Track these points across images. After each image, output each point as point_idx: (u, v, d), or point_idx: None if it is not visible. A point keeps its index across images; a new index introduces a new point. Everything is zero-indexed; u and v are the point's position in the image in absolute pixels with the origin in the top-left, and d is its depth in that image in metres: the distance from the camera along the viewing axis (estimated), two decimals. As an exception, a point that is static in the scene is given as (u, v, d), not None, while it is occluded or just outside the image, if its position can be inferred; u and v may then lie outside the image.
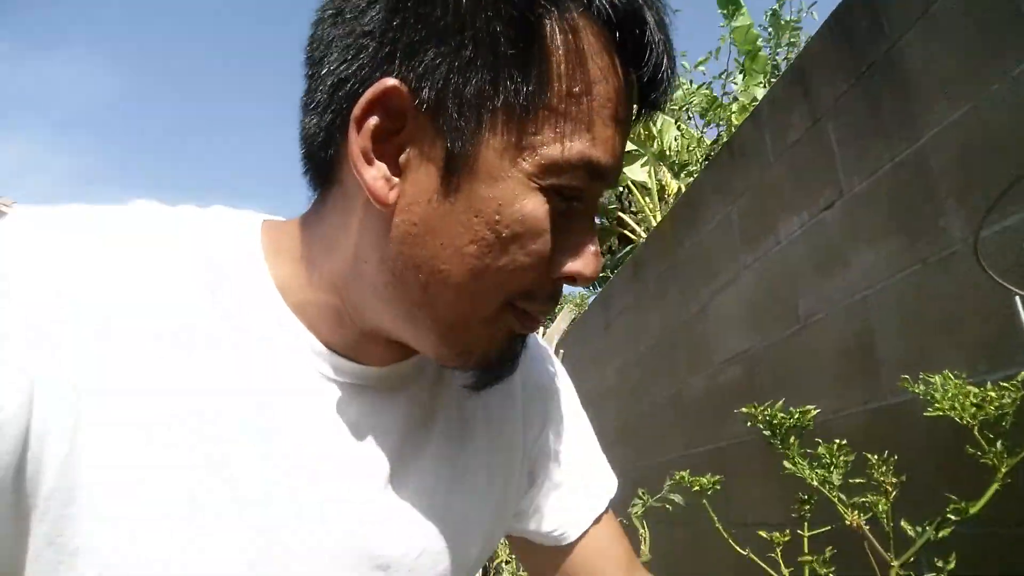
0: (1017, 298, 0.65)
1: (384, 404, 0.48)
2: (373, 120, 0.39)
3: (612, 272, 5.47)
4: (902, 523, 0.95)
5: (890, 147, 1.32)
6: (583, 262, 0.42)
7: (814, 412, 1.04)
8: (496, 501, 0.55)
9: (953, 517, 0.90)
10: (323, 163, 0.44)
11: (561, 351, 4.09)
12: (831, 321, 1.50)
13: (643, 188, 6.37)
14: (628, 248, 7.00)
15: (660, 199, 6.05)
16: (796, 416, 1.06)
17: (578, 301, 8.09)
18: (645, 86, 0.42)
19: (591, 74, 0.39)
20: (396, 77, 0.38)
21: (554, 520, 0.60)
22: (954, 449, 1.06)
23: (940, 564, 0.96)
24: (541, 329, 4.65)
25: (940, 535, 0.91)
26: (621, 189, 7.98)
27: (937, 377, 0.97)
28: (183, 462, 0.39)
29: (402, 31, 0.38)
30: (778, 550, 1.12)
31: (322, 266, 0.45)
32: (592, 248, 0.43)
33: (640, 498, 1.91)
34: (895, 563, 0.95)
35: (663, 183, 6.05)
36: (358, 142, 0.39)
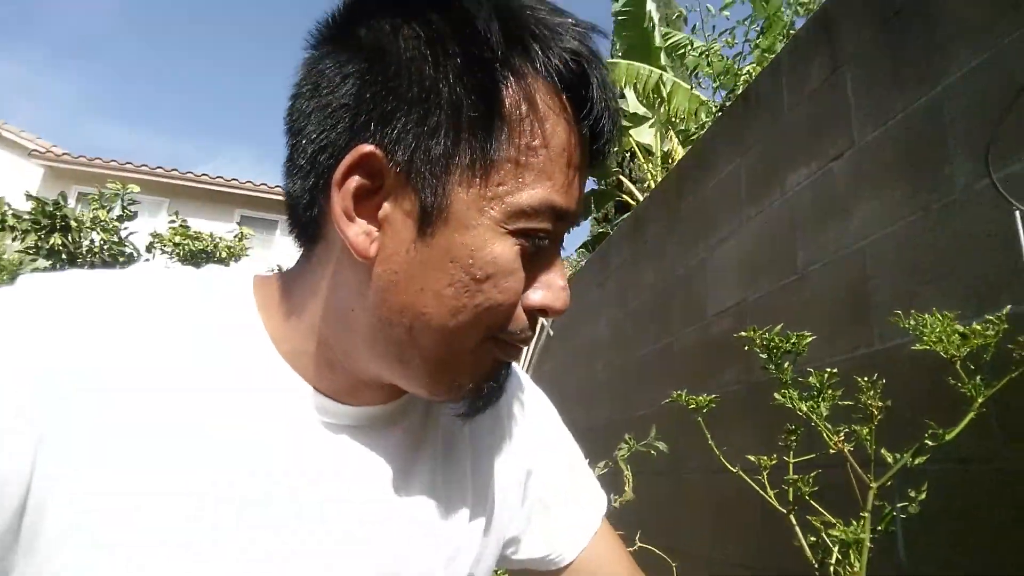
0: (1016, 213, 0.66)
1: (375, 443, 0.52)
2: (353, 182, 0.43)
3: (611, 230, 5.45)
4: (882, 451, 0.98)
5: (905, 96, 1.32)
6: (552, 296, 0.47)
7: (810, 338, 1.07)
8: (484, 527, 0.58)
9: (930, 443, 0.94)
10: (308, 222, 0.48)
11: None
12: (827, 271, 1.51)
13: (647, 152, 6.32)
14: (626, 215, 6.98)
15: (663, 165, 6.01)
16: (793, 340, 1.08)
17: (575, 259, 8.11)
18: (592, 139, 0.47)
19: (547, 129, 0.44)
20: (371, 143, 0.43)
21: (549, 544, 0.62)
22: (936, 390, 1.09)
23: (913, 494, 0.99)
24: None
25: (916, 461, 0.95)
26: (624, 154, 7.93)
27: (927, 315, 0.99)
28: (178, 500, 0.42)
29: (375, 102, 0.43)
30: (764, 474, 1.15)
31: (311, 316, 0.49)
32: (560, 283, 0.48)
33: (626, 443, 1.95)
34: (874, 484, 0.98)
35: (670, 150, 6.00)
36: (339, 202, 0.44)
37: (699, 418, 1.35)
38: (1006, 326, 0.90)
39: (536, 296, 0.47)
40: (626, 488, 1.77)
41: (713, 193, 2.17)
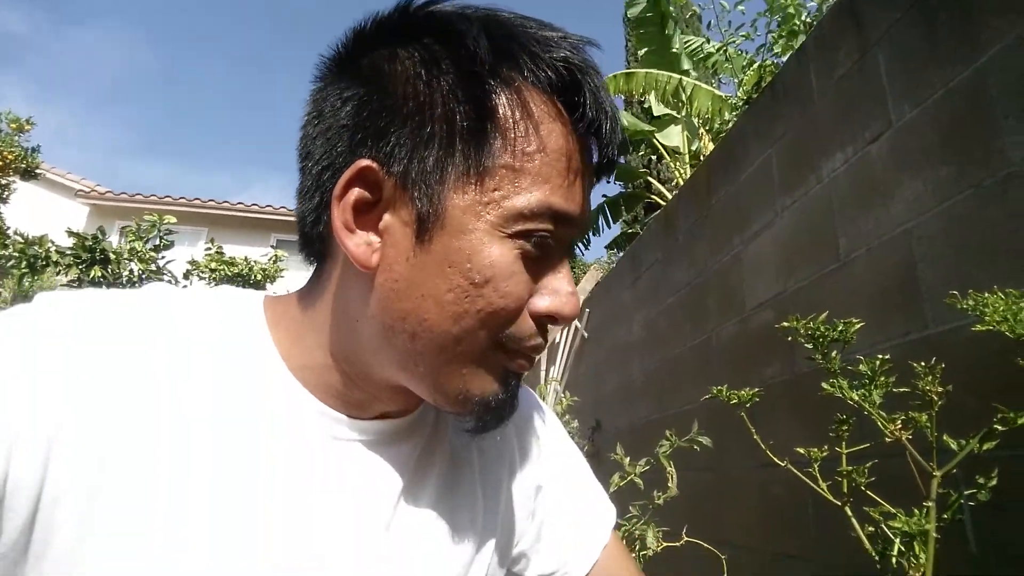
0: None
1: (384, 457, 0.52)
2: (352, 195, 0.45)
3: (641, 230, 5.41)
4: (944, 438, 0.93)
5: (943, 71, 1.27)
6: (560, 302, 0.47)
7: (858, 325, 1.03)
8: (494, 544, 0.58)
9: (999, 427, 0.89)
10: (315, 239, 0.50)
11: (587, 311, 4.07)
12: (871, 257, 1.46)
13: (675, 153, 6.26)
14: (656, 214, 6.92)
15: (691, 164, 5.94)
16: (840, 328, 1.04)
17: (606, 261, 8.05)
18: (593, 144, 0.48)
19: (541, 134, 0.45)
20: (369, 157, 0.45)
21: (559, 559, 0.62)
22: (999, 374, 1.03)
23: (982, 481, 0.94)
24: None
25: (985, 447, 0.90)
26: (652, 157, 7.87)
27: (988, 294, 0.94)
28: (185, 514, 0.43)
29: (371, 120, 0.45)
30: (815, 465, 1.11)
31: (320, 331, 0.50)
32: (568, 289, 0.47)
33: (668, 439, 1.91)
34: (937, 472, 0.94)
35: (698, 149, 5.94)
36: (339, 216, 0.45)
37: (742, 413, 1.32)
38: (1074, 301, 0.85)
39: (543, 302, 0.47)
40: (670, 484, 1.74)
41: (745, 186, 2.12)
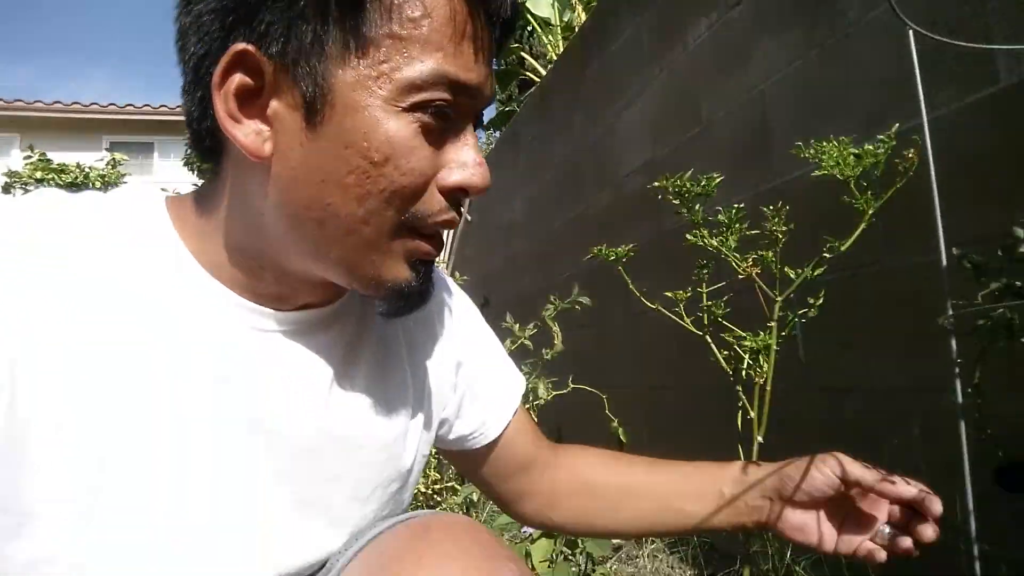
0: (910, 32, 0.72)
1: (312, 345, 0.52)
2: (233, 83, 0.43)
3: (517, 108, 5.38)
4: (785, 269, 1.10)
5: (798, -67, 1.34)
6: (468, 173, 0.46)
7: (718, 179, 1.15)
8: (423, 416, 0.61)
9: (827, 255, 1.06)
10: (204, 136, 0.48)
11: (468, 199, 4.09)
12: (730, 118, 1.59)
13: (546, 25, 6.13)
14: (531, 91, 6.85)
15: (564, 36, 5.86)
16: (703, 183, 1.16)
17: (484, 143, 7.99)
18: (485, 11, 0.45)
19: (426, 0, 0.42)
20: (244, 40, 0.42)
21: (477, 423, 0.67)
22: (829, 210, 1.21)
23: (812, 301, 1.13)
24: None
25: (816, 273, 1.07)
26: (523, 29, 7.65)
27: (825, 143, 1.08)
28: (124, 414, 0.43)
29: (238, 1, 0.42)
30: (680, 305, 1.27)
31: (225, 229, 0.48)
32: (474, 159, 0.46)
33: (552, 303, 2.06)
34: (779, 298, 1.11)
35: (570, 20, 5.84)
36: (222, 106, 0.43)
37: (620, 268, 1.45)
38: (894, 143, 1.01)
39: (451, 176, 0.46)
40: (556, 341, 1.90)
41: (616, 57, 2.17)
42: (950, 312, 0.68)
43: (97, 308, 0.44)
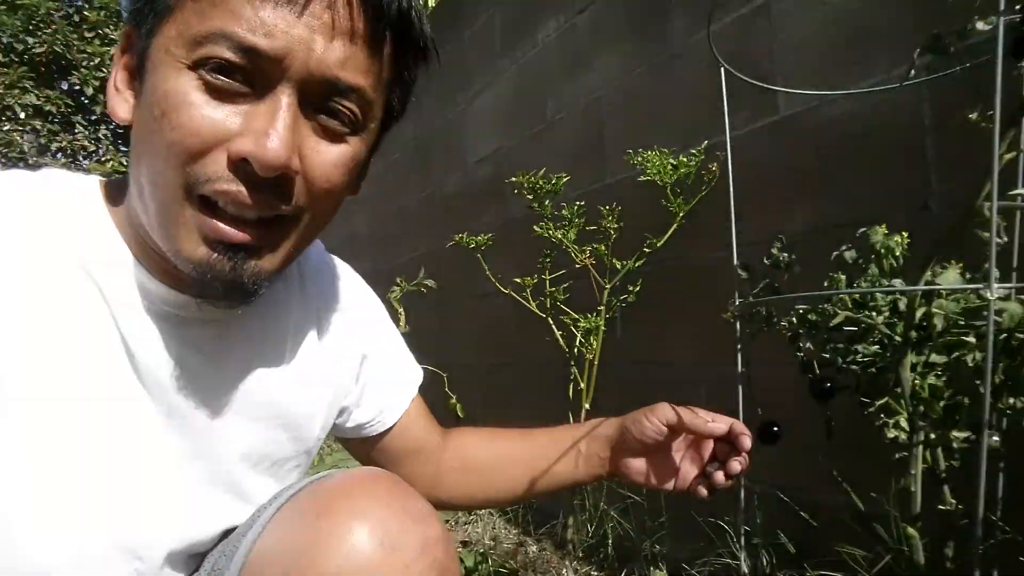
0: (722, 70, 0.87)
1: (224, 327, 0.55)
2: (123, 59, 0.49)
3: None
4: (615, 260, 1.27)
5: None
6: (252, 141, 0.43)
7: (566, 179, 1.29)
8: (328, 402, 0.65)
9: (647, 250, 1.25)
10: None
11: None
12: (571, 119, 1.74)
13: None
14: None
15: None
16: (553, 181, 1.29)
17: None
18: None
19: None
20: (132, 23, 0.48)
21: (376, 411, 0.71)
22: (652, 211, 1.39)
23: (632, 288, 1.32)
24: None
25: (637, 265, 1.26)
26: None
27: (649, 152, 1.25)
28: (30, 374, 0.46)
29: None
30: (528, 290, 1.40)
31: (127, 204, 0.51)
32: (261, 128, 0.43)
33: (398, 285, 2.10)
34: (608, 286, 1.28)
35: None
36: (112, 78, 0.50)
37: (478, 255, 1.55)
38: (703, 157, 1.20)
39: (236, 143, 0.44)
40: (401, 322, 1.95)
41: (469, 44, 2.23)
42: (736, 302, 0.85)
43: (21, 272, 0.47)
